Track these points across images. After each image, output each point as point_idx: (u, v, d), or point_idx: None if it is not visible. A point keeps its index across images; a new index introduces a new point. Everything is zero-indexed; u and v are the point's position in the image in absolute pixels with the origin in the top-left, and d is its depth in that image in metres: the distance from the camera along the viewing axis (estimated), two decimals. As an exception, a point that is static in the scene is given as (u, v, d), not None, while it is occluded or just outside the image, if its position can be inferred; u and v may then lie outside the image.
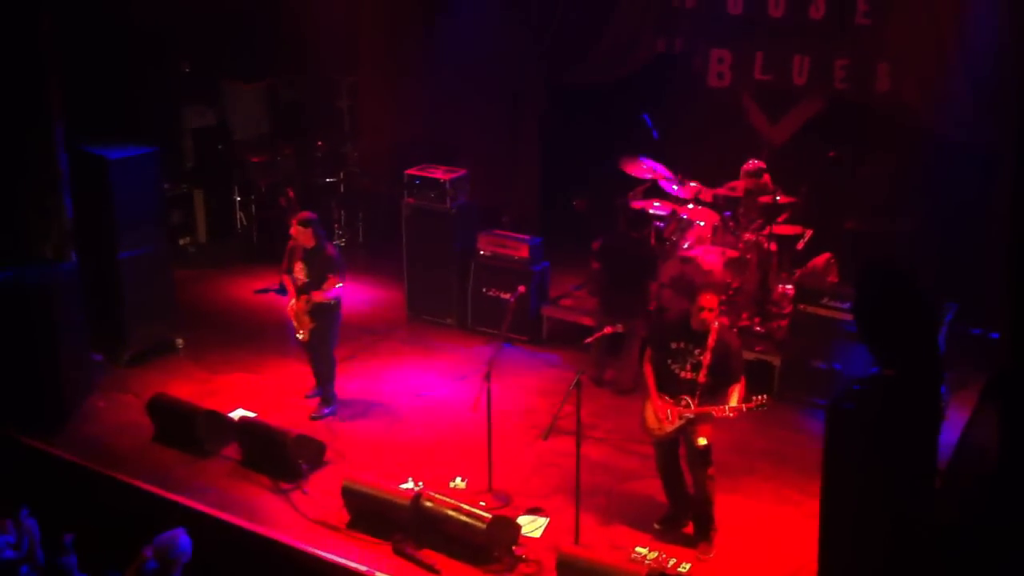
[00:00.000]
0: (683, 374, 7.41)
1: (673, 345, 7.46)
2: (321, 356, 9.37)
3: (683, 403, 7.38)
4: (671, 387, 7.47)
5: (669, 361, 7.48)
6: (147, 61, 12.65)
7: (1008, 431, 6.08)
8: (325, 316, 9.18)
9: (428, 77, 12.74)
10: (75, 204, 9.69)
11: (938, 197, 10.15)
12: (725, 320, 9.86)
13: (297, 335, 9.32)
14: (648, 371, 7.64)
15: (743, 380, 7.43)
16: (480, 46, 12.22)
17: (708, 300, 7.35)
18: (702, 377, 7.33)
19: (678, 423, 7.43)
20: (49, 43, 9.32)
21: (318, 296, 9.03)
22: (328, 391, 9.45)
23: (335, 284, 9.04)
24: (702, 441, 7.37)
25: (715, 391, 7.36)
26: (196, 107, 13.52)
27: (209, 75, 13.52)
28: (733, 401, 7.29)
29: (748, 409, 7.27)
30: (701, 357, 7.33)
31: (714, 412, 7.31)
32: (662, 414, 7.47)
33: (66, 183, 9.59)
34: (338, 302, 9.21)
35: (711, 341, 7.31)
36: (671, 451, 7.68)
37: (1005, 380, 6.23)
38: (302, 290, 9.16)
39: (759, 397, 7.25)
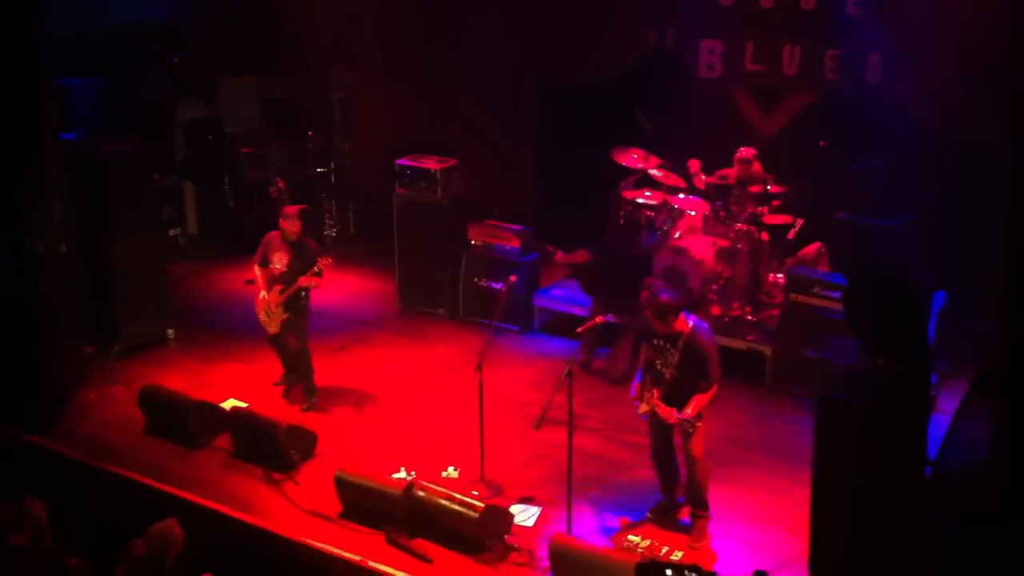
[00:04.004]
0: (661, 369, 7.51)
1: (655, 341, 7.55)
2: (297, 348, 9.38)
3: (648, 395, 7.50)
4: (653, 379, 7.57)
5: (654, 356, 7.57)
6: (139, 54, 12.61)
7: (998, 425, 6.11)
8: (297, 306, 9.21)
9: (424, 74, 12.72)
10: (66, 197, 9.66)
11: (931, 191, 10.16)
12: (724, 313, 9.94)
13: (267, 328, 9.33)
14: (640, 358, 7.75)
15: (712, 390, 7.41)
16: (476, 47, 12.21)
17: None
18: (668, 374, 7.44)
19: (644, 409, 7.57)
20: (43, 39, 9.29)
21: (304, 280, 9.04)
22: (309, 382, 9.46)
23: (327, 263, 9.06)
24: (692, 432, 7.46)
25: (685, 390, 7.41)
26: (187, 99, 13.49)
27: (200, 67, 13.48)
28: (690, 407, 7.34)
29: (678, 420, 7.37)
30: (672, 356, 7.43)
31: (659, 412, 7.41)
32: (635, 397, 7.66)
33: (58, 177, 9.57)
34: (308, 293, 9.22)
35: (680, 342, 7.40)
36: (663, 435, 7.72)
37: (996, 374, 6.26)
38: (278, 280, 9.17)
39: (689, 412, 7.31)
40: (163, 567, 6.20)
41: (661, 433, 7.73)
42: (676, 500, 7.89)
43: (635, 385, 7.70)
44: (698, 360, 7.39)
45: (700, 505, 7.69)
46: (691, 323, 7.45)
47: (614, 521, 7.88)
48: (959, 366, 8.92)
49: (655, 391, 7.49)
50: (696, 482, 7.64)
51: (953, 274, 9.75)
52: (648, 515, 7.88)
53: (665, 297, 7.47)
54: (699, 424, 7.45)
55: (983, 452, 6.15)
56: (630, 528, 7.77)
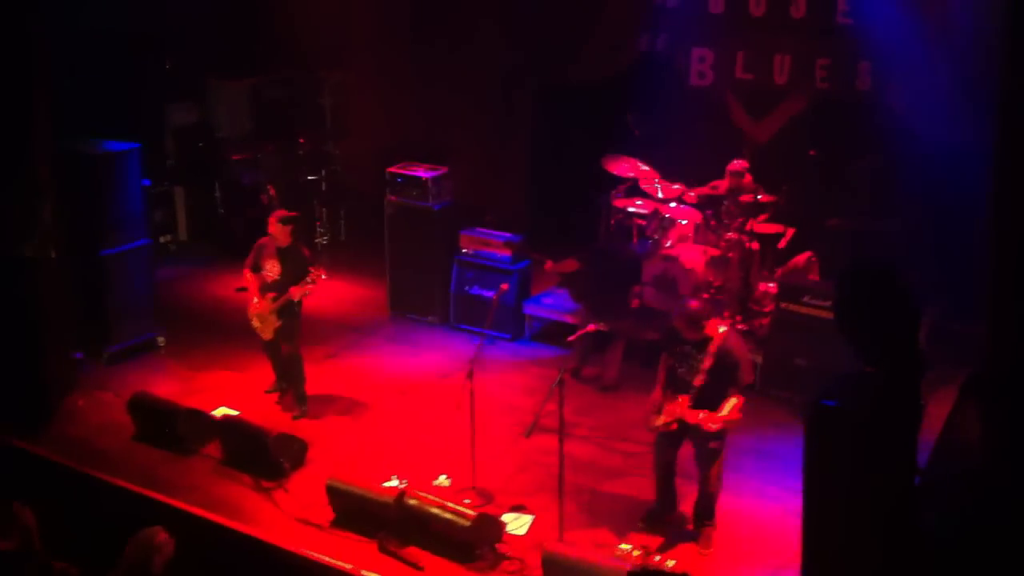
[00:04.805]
0: (687, 377, 7.41)
1: (680, 348, 7.47)
2: (289, 355, 9.36)
3: (677, 403, 7.37)
4: (676, 388, 7.46)
5: (677, 363, 7.49)
6: (130, 58, 12.59)
7: (989, 428, 6.11)
8: (290, 314, 9.18)
9: (416, 78, 12.74)
10: (57, 201, 9.65)
11: (922, 196, 10.20)
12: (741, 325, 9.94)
13: (260, 335, 9.30)
14: (660, 368, 7.66)
15: (742, 397, 7.37)
16: (468, 52, 12.24)
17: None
18: (697, 381, 7.33)
19: (664, 421, 7.44)
20: (36, 44, 9.29)
21: (296, 291, 9.01)
22: (300, 389, 9.43)
23: (320, 275, 9.00)
24: (713, 446, 7.44)
25: (714, 397, 7.32)
26: (179, 104, 13.47)
27: (192, 72, 13.46)
28: (725, 411, 7.24)
29: (722, 423, 7.26)
30: (702, 362, 7.34)
31: (688, 418, 7.30)
32: (651, 408, 7.54)
33: (50, 182, 9.56)
34: (300, 301, 9.19)
35: (712, 347, 7.31)
36: (672, 448, 7.64)
37: (986, 376, 6.27)
38: (270, 287, 9.14)
39: (735, 416, 7.25)
40: (151, 574, 6.18)
41: (670, 446, 7.64)
42: (668, 510, 7.86)
43: (654, 397, 7.56)
44: (731, 366, 7.32)
45: (710, 515, 7.70)
46: (722, 328, 7.40)
47: (606, 529, 7.86)
48: (949, 369, 8.93)
49: (681, 398, 7.35)
50: (711, 495, 7.64)
51: (943, 277, 9.79)
52: (640, 523, 7.87)
53: (695, 304, 7.41)
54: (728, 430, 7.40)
55: (974, 456, 6.16)
56: (623, 537, 7.75)
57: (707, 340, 7.34)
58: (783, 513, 7.79)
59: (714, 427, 7.27)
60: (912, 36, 10.23)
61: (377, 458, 8.71)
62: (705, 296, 10.43)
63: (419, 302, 11.35)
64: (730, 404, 7.27)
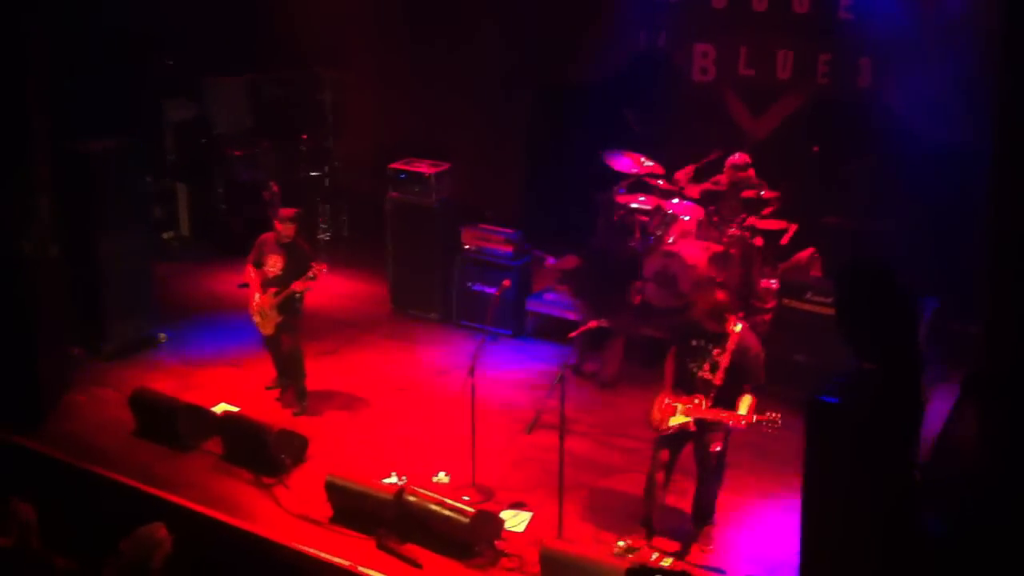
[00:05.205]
0: (700, 373, 7.25)
1: (693, 343, 7.29)
2: (290, 350, 9.36)
3: (695, 402, 7.22)
4: (688, 386, 7.29)
5: (688, 359, 7.32)
6: (129, 54, 12.59)
7: (987, 427, 6.10)
8: (292, 308, 9.19)
9: (417, 76, 12.74)
10: (57, 197, 9.66)
11: (921, 195, 10.18)
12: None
13: (261, 330, 9.30)
14: (667, 366, 7.50)
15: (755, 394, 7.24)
16: (468, 50, 12.22)
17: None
18: (718, 379, 7.16)
19: (682, 421, 7.27)
20: (33, 42, 9.29)
21: (298, 285, 9.02)
22: (300, 385, 9.43)
23: (322, 269, 9.02)
24: (716, 448, 7.34)
25: (731, 395, 7.18)
26: (178, 101, 13.46)
27: (192, 69, 13.46)
28: (742, 409, 7.06)
29: (757, 422, 7.05)
30: (719, 358, 7.18)
31: (722, 418, 7.12)
32: (668, 411, 7.34)
33: (49, 179, 9.56)
34: (302, 295, 9.20)
35: (731, 342, 7.16)
36: (672, 447, 7.46)
37: (984, 375, 6.26)
38: (272, 283, 9.15)
39: (772, 414, 7.05)
40: (149, 569, 6.18)
41: (671, 448, 7.47)
42: (651, 514, 7.72)
43: (663, 395, 7.38)
44: (748, 362, 7.18)
45: (710, 513, 7.66)
46: (739, 326, 7.25)
47: (605, 526, 7.85)
48: (948, 368, 8.91)
49: (701, 398, 7.18)
50: (711, 493, 7.58)
51: (942, 277, 9.76)
52: (639, 521, 7.84)
53: (722, 295, 7.25)
54: (722, 448, 7.30)
55: (973, 455, 6.15)
56: (621, 534, 7.74)
57: (724, 336, 7.18)
58: (782, 510, 7.78)
59: (742, 425, 7.10)
60: (913, 32, 10.21)
61: (377, 454, 8.71)
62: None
63: (420, 298, 11.34)
64: (746, 403, 7.12)
